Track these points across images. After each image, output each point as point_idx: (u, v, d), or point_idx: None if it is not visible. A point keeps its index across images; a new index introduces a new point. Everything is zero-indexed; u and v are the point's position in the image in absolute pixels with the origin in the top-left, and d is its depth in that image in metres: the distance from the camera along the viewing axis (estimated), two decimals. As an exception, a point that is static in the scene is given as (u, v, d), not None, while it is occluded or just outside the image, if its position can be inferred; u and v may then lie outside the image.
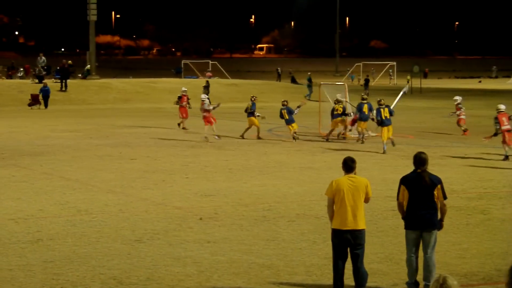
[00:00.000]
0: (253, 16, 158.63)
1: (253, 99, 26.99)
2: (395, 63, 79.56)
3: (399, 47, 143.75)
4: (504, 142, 20.49)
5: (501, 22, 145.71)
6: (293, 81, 66.72)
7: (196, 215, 13.18)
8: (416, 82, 60.56)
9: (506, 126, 20.45)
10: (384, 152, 21.80)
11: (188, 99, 29.89)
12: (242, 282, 9.37)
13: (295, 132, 25.41)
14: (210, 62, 70.22)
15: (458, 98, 28.16)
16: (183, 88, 31.05)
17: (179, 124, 28.98)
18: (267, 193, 15.40)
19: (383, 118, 22.48)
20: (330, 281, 9.02)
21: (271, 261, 10.27)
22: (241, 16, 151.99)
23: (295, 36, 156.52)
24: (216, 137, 25.25)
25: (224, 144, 24.31)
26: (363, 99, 25.46)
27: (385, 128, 22.44)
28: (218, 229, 12.16)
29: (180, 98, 29.71)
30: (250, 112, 26.30)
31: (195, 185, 16.38)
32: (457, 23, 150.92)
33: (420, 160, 8.97)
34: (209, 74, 63.69)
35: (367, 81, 61.59)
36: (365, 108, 24.71)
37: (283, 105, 25.89)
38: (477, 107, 40.57)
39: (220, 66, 67.81)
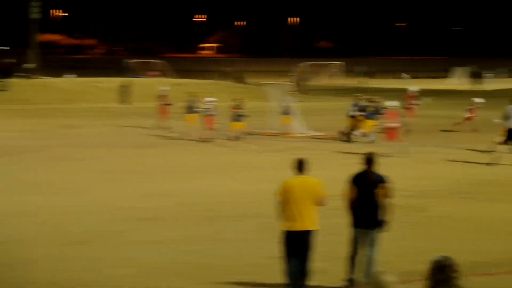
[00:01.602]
0: (199, 16, 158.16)
1: (193, 96, 27.00)
2: (341, 63, 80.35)
3: (347, 48, 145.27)
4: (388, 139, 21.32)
5: (446, 22, 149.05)
6: (239, 81, 66.86)
7: (139, 216, 13.11)
8: (364, 83, 61.50)
9: (390, 124, 21.24)
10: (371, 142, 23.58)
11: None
12: (184, 282, 9.38)
13: (237, 135, 25.51)
14: (156, 61, 69.70)
15: (414, 89, 29.05)
16: (164, 87, 30.85)
17: (162, 126, 28.43)
18: (211, 193, 15.42)
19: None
20: (272, 280, 9.11)
21: (213, 261, 10.30)
22: (187, 15, 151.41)
23: (242, 36, 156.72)
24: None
25: (171, 144, 24.21)
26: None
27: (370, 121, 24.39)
28: (162, 230, 12.12)
29: (162, 97, 29.63)
30: (192, 110, 26.13)
31: (140, 185, 16.28)
32: (404, 24, 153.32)
33: (367, 159, 9.18)
34: (153, 73, 63.17)
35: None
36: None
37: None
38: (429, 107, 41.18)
39: (165, 66, 67.34)
